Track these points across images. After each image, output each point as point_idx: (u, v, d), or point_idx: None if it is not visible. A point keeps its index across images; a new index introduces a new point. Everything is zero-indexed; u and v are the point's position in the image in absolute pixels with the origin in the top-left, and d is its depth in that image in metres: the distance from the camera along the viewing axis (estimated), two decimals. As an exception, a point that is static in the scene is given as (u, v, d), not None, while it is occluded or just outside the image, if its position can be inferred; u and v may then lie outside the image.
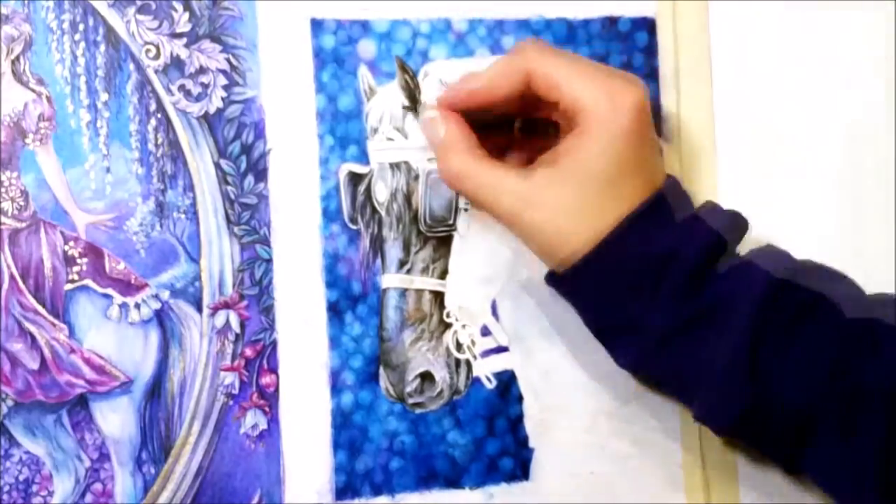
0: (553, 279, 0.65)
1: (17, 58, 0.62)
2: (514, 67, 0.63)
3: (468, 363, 0.68)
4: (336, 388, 0.66)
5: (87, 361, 0.62)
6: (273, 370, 0.65)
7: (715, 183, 0.71)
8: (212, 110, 0.64)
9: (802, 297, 0.62)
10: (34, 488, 0.62)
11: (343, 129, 0.66)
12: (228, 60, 0.64)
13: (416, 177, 0.67)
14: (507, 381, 0.68)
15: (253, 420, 0.65)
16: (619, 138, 0.61)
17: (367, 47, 0.67)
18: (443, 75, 0.68)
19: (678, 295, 0.61)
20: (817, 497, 0.69)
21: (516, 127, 0.68)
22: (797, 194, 0.73)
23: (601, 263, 0.62)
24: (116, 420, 0.63)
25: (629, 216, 0.61)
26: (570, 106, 0.62)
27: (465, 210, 0.67)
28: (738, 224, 0.65)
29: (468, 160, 0.63)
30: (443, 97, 0.65)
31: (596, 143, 0.61)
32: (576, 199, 0.61)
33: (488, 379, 0.68)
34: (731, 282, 0.62)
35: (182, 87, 0.64)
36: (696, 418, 0.64)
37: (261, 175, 0.65)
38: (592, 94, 0.61)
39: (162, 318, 0.64)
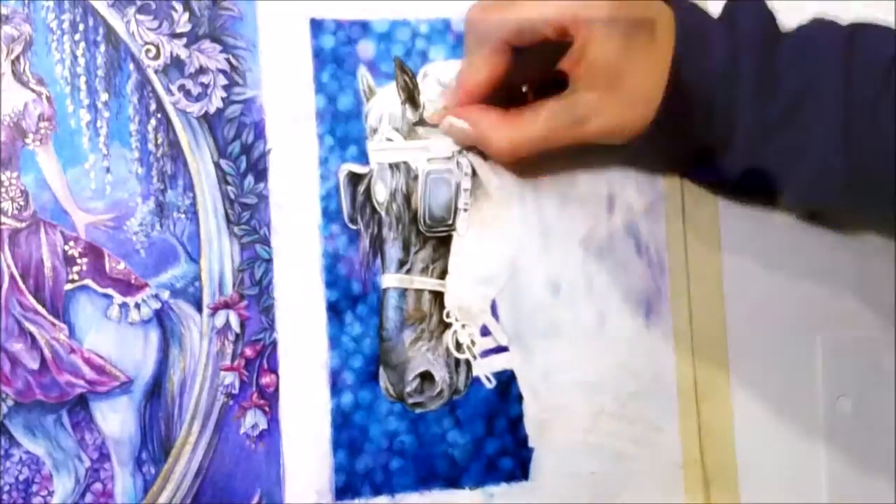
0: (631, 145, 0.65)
1: (17, 58, 0.62)
2: (493, 49, 0.63)
3: (468, 363, 0.68)
4: (336, 388, 0.66)
5: (87, 361, 0.62)
6: (273, 370, 0.65)
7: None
8: (212, 110, 0.64)
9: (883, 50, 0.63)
10: (34, 488, 0.62)
11: (343, 130, 0.67)
12: (228, 60, 0.65)
13: (416, 177, 0.67)
14: (506, 380, 0.68)
15: (253, 420, 0.65)
16: (614, 28, 0.61)
17: (366, 48, 0.67)
18: (441, 76, 0.68)
19: (758, 90, 0.62)
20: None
21: (525, 91, 0.68)
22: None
23: (674, 109, 0.62)
24: (116, 420, 0.63)
25: (673, 58, 0.61)
26: (557, 29, 0.61)
27: (465, 210, 0.67)
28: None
29: (505, 127, 0.63)
30: (453, 106, 0.65)
31: (600, 40, 0.61)
32: (614, 77, 0.61)
33: (488, 379, 0.68)
34: (804, 55, 0.63)
35: (182, 87, 0.64)
36: (794, 198, 0.66)
37: (261, 175, 0.65)
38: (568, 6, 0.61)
39: (162, 318, 0.64)
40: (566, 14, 0.61)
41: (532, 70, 0.65)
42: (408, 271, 0.67)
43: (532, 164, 0.67)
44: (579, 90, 0.62)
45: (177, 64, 0.64)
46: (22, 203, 0.62)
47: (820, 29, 0.65)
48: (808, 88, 0.63)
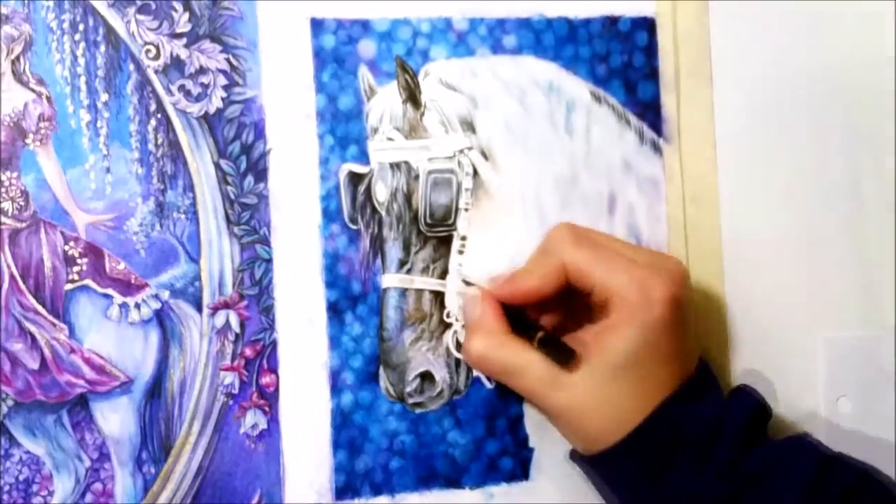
0: (580, 458, 0.66)
1: (18, 58, 0.62)
2: (553, 266, 0.64)
3: (468, 363, 0.68)
4: (336, 388, 0.66)
5: (88, 361, 0.62)
6: (273, 370, 0.65)
7: (715, 182, 0.71)
8: (212, 110, 0.64)
9: (852, 476, 0.61)
10: (34, 488, 0.62)
11: (343, 129, 0.66)
12: (228, 60, 0.64)
13: (417, 177, 0.67)
14: (507, 380, 0.68)
15: (253, 420, 0.65)
16: (651, 330, 0.61)
17: (367, 47, 0.67)
18: (443, 75, 0.68)
19: (723, 470, 0.61)
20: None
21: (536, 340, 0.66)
22: (797, 194, 0.73)
23: (638, 446, 0.61)
24: (116, 420, 0.63)
25: (666, 401, 0.61)
26: (602, 296, 0.62)
27: (466, 210, 0.67)
28: (767, 405, 0.65)
29: (492, 344, 0.64)
30: (492, 289, 0.66)
31: (624, 334, 0.61)
32: (604, 387, 0.62)
33: (488, 379, 0.68)
34: (776, 456, 0.61)
35: (182, 88, 0.64)
36: None
37: (261, 175, 0.65)
38: (624, 285, 0.62)
39: (162, 318, 0.64)
40: (632, 287, 0.62)
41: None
42: (408, 271, 0.67)
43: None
44: (573, 373, 0.62)
45: (177, 64, 0.64)
46: (22, 203, 0.62)
47: (793, 453, 0.63)
48: (773, 479, 0.61)
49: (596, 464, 0.64)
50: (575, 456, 0.66)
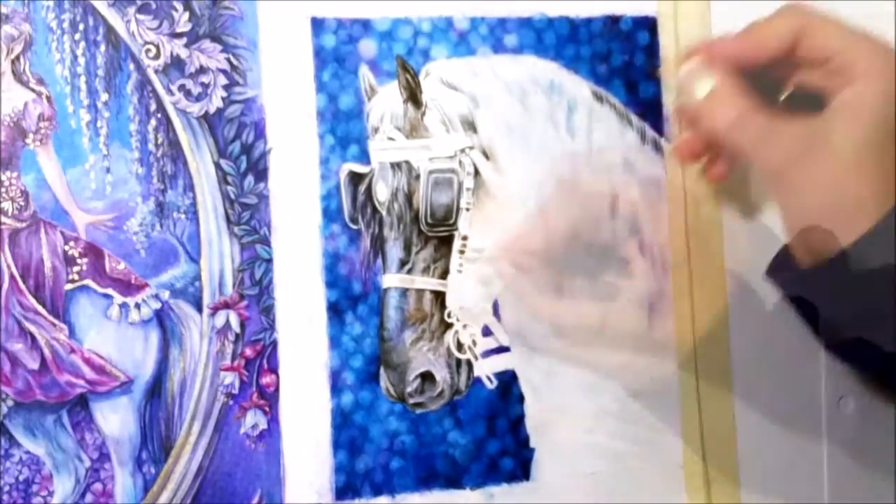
0: (792, 271, 0.62)
1: (17, 58, 0.62)
2: (787, 26, 0.61)
3: (469, 363, 0.68)
4: (336, 388, 0.66)
5: (88, 361, 0.62)
6: (273, 370, 0.65)
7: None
8: (212, 110, 0.64)
9: None
10: (34, 488, 0.62)
11: (344, 129, 0.66)
12: (228, 60, 0.64)
13: (417, 176, 0.67)
14: (507, 381, 0.68)
15: (253, 420, 0.65)
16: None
17: (367, 46, 0.67)
18: (444, 74, 0.67)
19: None
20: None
21: (781, 99, 0.65)
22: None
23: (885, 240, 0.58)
24: (116, 420, 0.63)
25: None
26: (847, 59, 0.60)
27: (467, 210, 0.67)
28: None
29: (746, 106, 0.60)
30: (707, 47, 0.62)
31: (878, 89, 0.59)
32: (862, 148, 0.58)
33: (489, 379, 0.68)
34: None
35: (182, 87, 0.64)
36: None
37: (261, 175, 0.65)
38: (868, 45, 0.60)
39: (162, 318, 0.64)
40: (878, 51, 0.60)
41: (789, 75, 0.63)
42: (409, 271, 0.67)
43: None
44: (831, 132, 0.59)
45: (177, 64, 0.64)
46: (22, 203, 0.62)
47: None
48: None
49: (838, 264, 0.58)
50: (783, 265, 0.62)
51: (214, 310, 0.64)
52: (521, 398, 0.68)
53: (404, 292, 0.67)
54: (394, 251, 0.67)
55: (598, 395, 0.69)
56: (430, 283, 0.67)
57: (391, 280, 0.67)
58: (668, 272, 0.70)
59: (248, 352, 0.65)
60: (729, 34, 0.63)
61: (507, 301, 0.68)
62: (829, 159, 0.59)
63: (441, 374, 0.67)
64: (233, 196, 0.64)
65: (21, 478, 0.62)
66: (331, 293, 0.66)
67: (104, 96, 0.63)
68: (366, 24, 0.67)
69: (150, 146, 0.63)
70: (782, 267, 0.64)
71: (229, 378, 0.64)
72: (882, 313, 0.58)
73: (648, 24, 0.70)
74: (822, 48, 0.60)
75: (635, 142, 0.70)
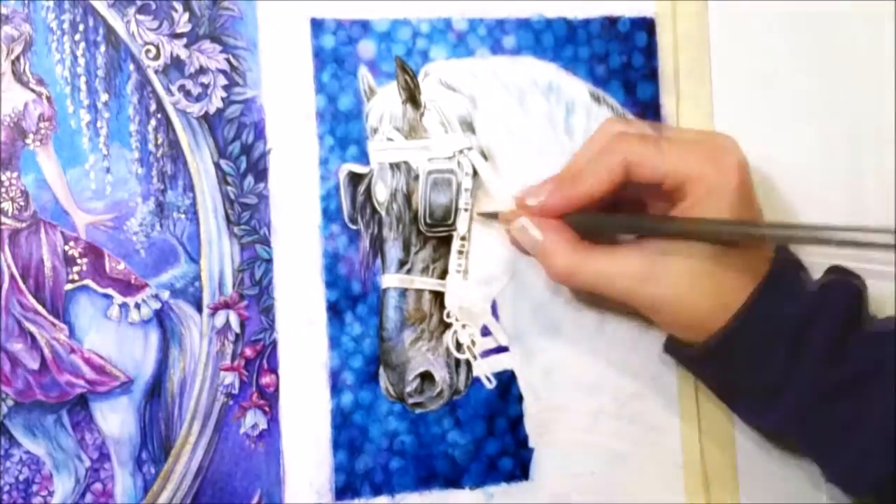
0: (679, 351, 0.65)
1: (18, 58, 0.62)
2: (612, 165, 0.62)
3: (468, 363, 0.68)
4: (336, 388, 0.66)
5: (88, 361, 0.62)
6: (273, 370, 0.65)
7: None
8: (212, 110, 0.64)
9: None
10: (34, 488, 0.62)
11: (343, 130, 0.66)
12: (228, 60, 0.65)
13: (416, 177, 0.67)
14: (507, 381, 0.68)
15: (253, 420, 0.65)
16: (730, 200, 0.61)
17: (367, 47, 0.67)
18: (443, 75, 0.68)
19: (826, 357, 0.60)
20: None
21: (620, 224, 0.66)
22: (798, 195, 0.73)
23: (742, 334, 0.61)
24: (116, 420, 0.63)
25: (765, 281, 0.61)
26: (677, 181, 0.61)
27: (465, 210, 0.67)
28: (864, 284, 0.64)
29: (573, 257, 0.62)
30: (541, 207, 0.64)
31: (709, 208, 0.60)
32: (695, 268, 0.61)
33: (488, 379, 0.68)
34: (881, 341, 0.61)
35: (182, 88, 0.64)
36: (830, 480, 0.64)
37: (261, 175, 0.65)
38: (697, 163, 0.61)
39: (162, 318, 0.64)
40: (706, 165, 0.61)
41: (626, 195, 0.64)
42: (408, 271, 0.67)
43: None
44: (661, 261, 0.61)
45: (177, 64, 0.64)
46: (22, 203, 0.62)
47: None
48: (876, 371, 0.60)
49: (695, 356, 0.63)
50: (672, 348, 0.66)
51: (214, 310, 0.64)
52: (520, 398, 0.68)
53: (403, 292, 0.67)
54: (393, 251, 0.67)
55: (597, 395, 0.69)
56: (430, 283, 0.67)
57: (390, 280, 0.67)
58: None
59: (248, 352, 0.65)
60: (561, 180, 0.64)
61: (505, 301, 0.69)
62: (670, 284, 0.61)
63: (440, 374, 0.67)
64: (233, 196, 0.65)
65: (21, 478, 0.62)
66: (330, 293, 0.66)
67: (104, 97, 0.63)
68: (365, 25, 0.67)
69: (150, 146, 0.64)
70: (671, 344, 0.67)
71: (229, 378, 0.64)
72: (751, 391, 0.64)
73: (646, 25, 0.70)
74: (652, 175, 0.62)
75: (633, 142, 0.70)
